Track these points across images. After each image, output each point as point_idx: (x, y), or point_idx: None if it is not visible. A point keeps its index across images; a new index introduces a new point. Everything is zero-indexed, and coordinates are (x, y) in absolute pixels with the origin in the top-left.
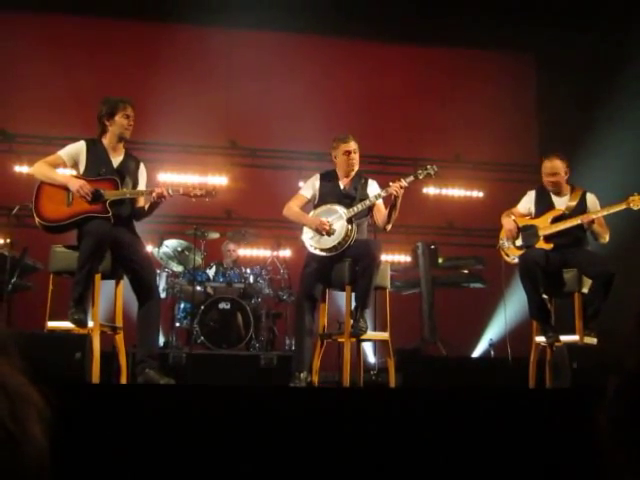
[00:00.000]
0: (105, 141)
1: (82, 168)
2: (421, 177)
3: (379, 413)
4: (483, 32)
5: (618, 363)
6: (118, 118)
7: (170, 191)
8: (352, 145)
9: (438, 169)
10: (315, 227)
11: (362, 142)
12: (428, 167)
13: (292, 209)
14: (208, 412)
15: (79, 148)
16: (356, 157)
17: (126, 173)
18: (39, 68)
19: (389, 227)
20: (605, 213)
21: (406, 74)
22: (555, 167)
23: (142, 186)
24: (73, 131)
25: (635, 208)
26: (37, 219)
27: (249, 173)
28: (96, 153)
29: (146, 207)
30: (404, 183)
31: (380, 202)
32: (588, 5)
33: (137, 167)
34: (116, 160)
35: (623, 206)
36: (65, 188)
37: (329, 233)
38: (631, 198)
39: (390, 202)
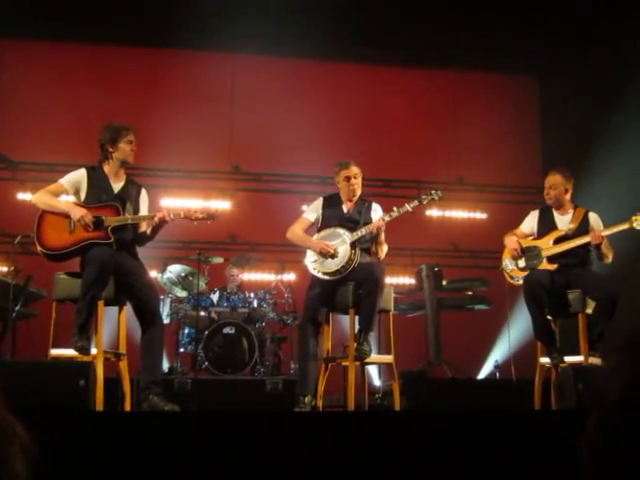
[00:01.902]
0: (106, 168)
1: (83, 195)
2: (425, 202)
3: (384, 437)
4: (485, 55)
5: (599, 395)
6: (122, 144)
7: (172, 215)
8: (353, 170)
9: (442, 194)
10: (319, 250)
11: (365, 165)
12: (432, 192)
13: (296, 232)
14: (213, 438)
15: (80, 176)
16: (357, 182)
17: (127, 198)
18: (42, 95)
19: (382, 255)
20: (608, 233)
21: (409, 97)
22: (552, 181)
23: (144, 211)
24: (76, 158)
25: (638, 228)
26: (39, 247)
27: (252, 198)
28: (97, 180)
29: (148, 232)
30: (408, 208)
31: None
32: (589, 28)
33: (138, 192)
34: (117, 186)
35: (626, 226)
36: (67, 216)
37: (333, 256)
38: (634, 218)
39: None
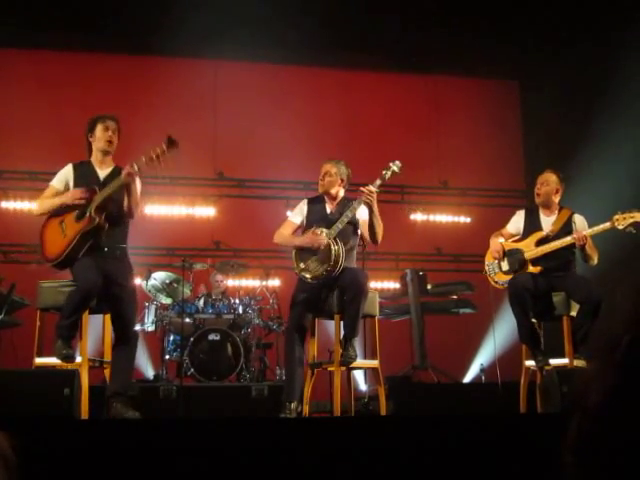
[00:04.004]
0: (92, 159)
1: (71, 187)
2: (388, 176)
3: (371, 442)
4: (466, 59)
5: (579, 400)
6: (98, 132)
7: (135, 166)
8: (325, 167)
9: (402, 164)
10: (310, 242)
11: None
12: (390, 164)
13: (283, 235)
14: (199, 446)
15: (67, 170)
16: (331, 180)
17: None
18: (23, 103)
19: (379, 239)
20: (591, 233)
21: (391, 102)
22: (546, 177)
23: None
24: (59, 166)
25: (620, 227)
26: (47, 264)
27: (236, 204)
28: (83, 171)
29: (126, 202)
30: (373, 188)
31: (365, 218)
32: (569, 31)
33: None
34: (103, 172)
35: (608, 226)
36: (60, 221)
37: (321, 245)
38: (615, 217)
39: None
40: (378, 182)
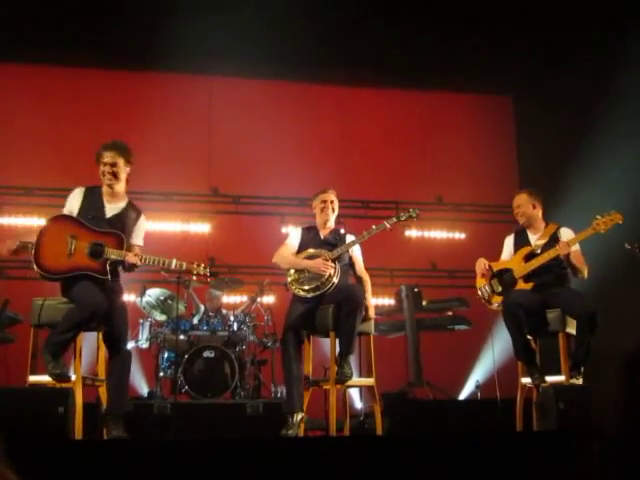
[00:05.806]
0: (103, 188)
1: (75, 214)
2: (403, 219)
3: (367, 460)
4: (460, 75)
5: (599, 427)
6: (100, 166)
7: (173, 264)
8: (329, 196)
9: (420, 212)
10: (318, 268)
11: (344, 187)
12: (410, 210)
13: (285, 256)
14: (195, 466)
15: (73, 196)
16: (332, 207)
17: (120, 225)
18: (20, 119)
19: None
20: (574, 241)
21: (386, 118)
22: (518, 200)
23: (136, 239)
24: (54, 182)
25: (602, 232)
26: (35, 267)
27: (231, 220)
28: (90, 200)
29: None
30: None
31: (358, 254)
32: (563, 45)
33: (137, 218)
34: (113, 208)
35: (590, 232)
36: (71, 235)
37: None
38: (595, 222)
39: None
40: (392, 221)
